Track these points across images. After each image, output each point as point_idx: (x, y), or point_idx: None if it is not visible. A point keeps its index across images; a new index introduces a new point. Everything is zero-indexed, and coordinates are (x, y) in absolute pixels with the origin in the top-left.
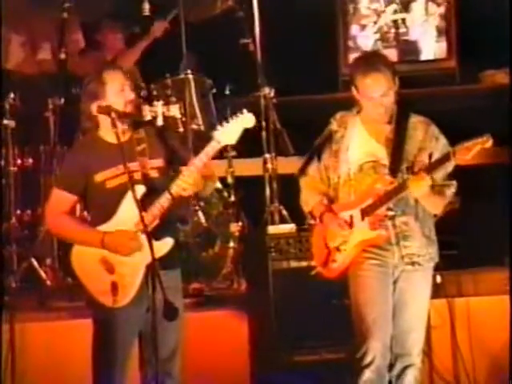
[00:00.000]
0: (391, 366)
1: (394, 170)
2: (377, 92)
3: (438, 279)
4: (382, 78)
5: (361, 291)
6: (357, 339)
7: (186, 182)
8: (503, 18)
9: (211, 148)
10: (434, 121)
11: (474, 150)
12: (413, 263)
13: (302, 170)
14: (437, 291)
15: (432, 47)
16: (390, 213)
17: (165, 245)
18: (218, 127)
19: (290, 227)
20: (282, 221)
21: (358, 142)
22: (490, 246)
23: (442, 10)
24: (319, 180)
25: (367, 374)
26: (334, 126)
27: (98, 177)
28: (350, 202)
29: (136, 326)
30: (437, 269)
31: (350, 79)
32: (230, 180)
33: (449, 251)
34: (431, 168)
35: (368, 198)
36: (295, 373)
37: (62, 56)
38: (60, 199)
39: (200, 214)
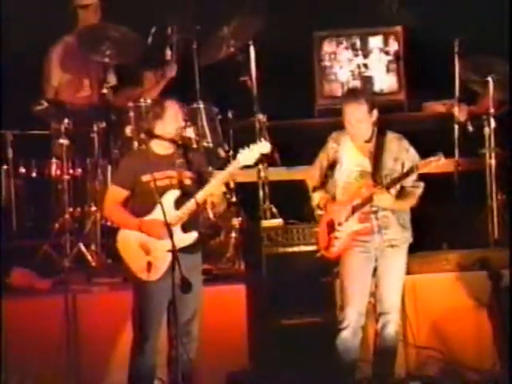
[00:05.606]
0: (376, 321)
1: (375, 176)
2: (353, 118)
3: None
4: (359, 107)
5: (345, 270)
6: (339, 307)
7: (213, 189)
8: (444, 59)
9: (233, 166)
10: None
11: (431, 165)
12: (392, 246)
13: (310, 174)
14: None
15: (384, 82)
16: (374, 209)
17: (190, 237)
18: (241, 150)
19: (278, 221)
20: (272, 216)
21: (348, 155)
22: (431, 234)
23: (391, 57)
24: (321, 182)
25: (344, 334)
26: (330, 143)
27: (145, 178)
28: (343, 200)
29: (165, 296)
30: None
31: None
32: (232, 185)
33: None
34: (392, 183)
35: (356, 198)
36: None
37: (104, 91)
38: (115, 193)
39: (209, 210)
